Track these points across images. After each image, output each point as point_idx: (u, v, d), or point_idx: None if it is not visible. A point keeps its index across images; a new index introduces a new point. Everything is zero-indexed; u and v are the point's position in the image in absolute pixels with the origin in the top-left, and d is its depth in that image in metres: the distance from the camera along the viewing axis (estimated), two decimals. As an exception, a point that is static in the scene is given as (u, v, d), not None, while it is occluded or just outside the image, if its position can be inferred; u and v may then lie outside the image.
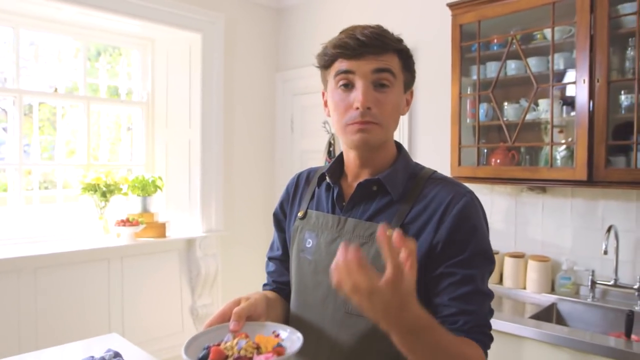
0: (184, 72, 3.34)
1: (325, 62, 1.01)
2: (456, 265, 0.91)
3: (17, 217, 2.85)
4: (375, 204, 1.01)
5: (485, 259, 0.95)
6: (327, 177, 1.08)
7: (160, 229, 3.13)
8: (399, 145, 1.09)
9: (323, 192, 1.11)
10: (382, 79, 0.96)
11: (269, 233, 3.69)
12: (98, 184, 3.01)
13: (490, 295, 0.94)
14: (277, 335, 0.91)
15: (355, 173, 1.06)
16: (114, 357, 1.44)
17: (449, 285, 0.91)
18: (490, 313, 0.95)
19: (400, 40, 1.01)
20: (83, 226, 3.10)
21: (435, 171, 1.05)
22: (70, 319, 2.72)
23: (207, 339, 0.89)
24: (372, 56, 0.95)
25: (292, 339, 0.90)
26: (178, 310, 3.24)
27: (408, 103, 1.07)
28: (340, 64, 0.97)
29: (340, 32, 0.99)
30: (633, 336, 1.93)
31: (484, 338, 0.91)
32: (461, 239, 0.92)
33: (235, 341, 0.86)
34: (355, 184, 1.04)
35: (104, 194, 3.03)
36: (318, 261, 1.04)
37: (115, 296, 2.93)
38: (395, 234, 0.73)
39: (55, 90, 3.11)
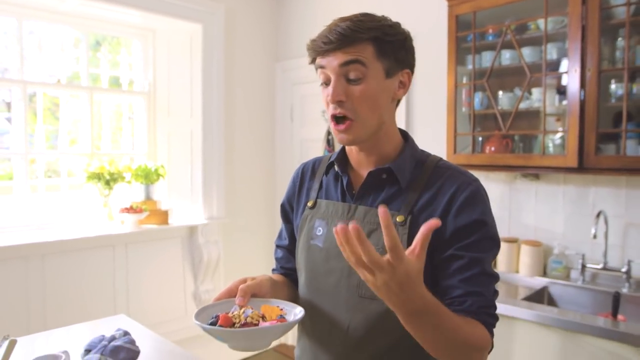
0: (185, 62, 3.39)
1: (311, 61, 1.05)
2: (464, 249, 0.96)
3: (24, 205, 2.92)
4: (384, 192, 1.04)
5: (492, 243, 0.99)
6: (335, 167, 1.11)
7: (163, 216, 3.20)
8: (405, 134, 1.11)
9: (331, 181, 1.14)
10: (350, 71, 0.97)
11: (270, 220, 3.79)
12: (102, 173, 3.08)
13: (495, 277, 0.98)
14: (282, 309, 0.99)
15: (358, 162, 1.10)
16: (123, 335, 1.51)
17: (457, 268, 0.95)
18: (495, 294, 0.99)
19: (374, 28, 0.98)
20: (88, 214, 3.17)
21: (440, 159, 1.08)
22: (77, 303, 2.80)
23: (215, 309, 0.97)
24: (339, 51, 0.97)
25: (294, 312, 0.98)
26: (181, 296, 3.32)
27: (404, 85, 1.04)
28: (318, 61, 1.01)
29: (324, 28, 1.02)
30: (619, 316, 2.01)
31: (490, 319, 0.95)
32: (468, 224, 0.97)
33: (242, 310, 0.94)
34: (363, 173, 1.08)
35: (107, 182, 3.10)
36: (329, 248, 1.06)
37: (120, 282, 3.01)
38: (428, 225, 0.75)
39: (59, 81, 3.17)
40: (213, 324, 0.92)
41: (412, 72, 1.07)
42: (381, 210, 0.73)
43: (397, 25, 1.04)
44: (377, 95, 1.00)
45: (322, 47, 0.98)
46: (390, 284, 0.76)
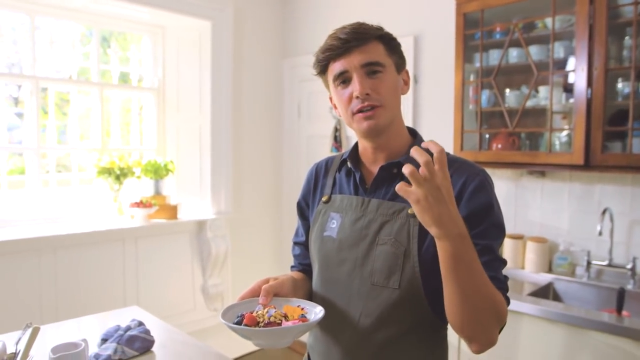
0: (194, 58, 3.43)
1: (321, 68, 1.12)
2: (475, 237, 0.99)
3: (36, 199, 2.97)
4: (395, 185, 1.09)
5: (499, 230, 1.04)
6: (348, 163, 1.17)
7: (172, 211, 3.24)
8: (413, 132, 1.18)
9: (344, 177, 1.19)
10: (372, 69, 1.05)
11: (276, 215, 3.83)
12: (112, 168, 3.12)
13: (504, 261, 1.04)
14: (303, 309, 1.04)
15: (371, 159, 1.15)
16: (138, 325, 1.55)
17: None
18: (506, 278, 1.04)
19: (379, 28, 1.09)
20: (98, 208, 3.22)
21: (448, 153, 1.12)
22: (87, 296, 2.85)
23: (240, 308, 1.03)
24: (357, 49, 1.04)
25: (314, 311, 1.03)
26: (190, 289, 3.37)
27: (406, 83, 1.14)
28: (333, 67, 1.08)
29: (326, 38, 1.10)
30: (624, 312, 2.04)
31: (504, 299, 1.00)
32: (478, 213, 1.02)
33: (265, 310, 0.99)
34: (373, 169, 1.14)
35: (117, 177, 3.14)
36: (343, 239, 1.11)
37: (130, 275, 3.05)
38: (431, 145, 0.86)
39: (70, 76, 3.21)
40: (239, 322, 0.97)
41: None
42: (408, 166, 0.84)
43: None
44: (394, 87, 1.09)
45: (340, 47, 1.05)
46: (439, 193, 0.83)
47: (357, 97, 1.05)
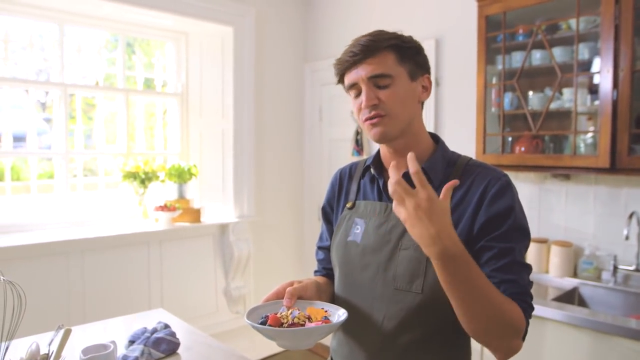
0: (216, 64, 3.47)
1: (338, 78, 1.15)
2: (495, 240, 1.00)
3: (64, 203, 3.05)
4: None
5: (522, 234, 1.03)
6: (372, 170, 1.19)
7: (195, 215, 3.29)
8: (436, 138, 1.19)
9: (368, 183, 1.21)
10: (378, 80, 1.07)
11: (298, 218, 3.86)
12: (137, 172, 3.18)
13: (528, 266, 1.03)
14: (326, 311, 1.06)
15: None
16: (164, 328, 1.58)
17: (489, 258, 1.00)
18: (530, 284, 1.03)
19: (393, 37, 1.08)
20: (124, 212, 3.28)
21: (471, 158, 1.14)
22: (113, 298, 2.91)
23: (264, 310, 1.05)
24: (365, 62, 1.07)
25: (338, 314, 1.04)
26: (213, 292, 3.41)
27: (426, 89, 1.13)
28: (346, 78, 1.11)
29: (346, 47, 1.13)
30: (652, 318, 1.99)
31: (525, 305, 0.99)
32: (498, 216, 1.01)
33: (289, 311, 1.01)
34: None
35: (142, 181, 3.21)
36: (366, 244, 1.13)
37: (155, 277, 3.11)
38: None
39: (97, 82, 3.28)
40: (263, 323, 0.99)
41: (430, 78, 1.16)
42: (409, 155, 0.90)
43: (411, 36, 1.13)
44: (405, 96, 1.09)
45: (349, 60, 1.09)
46: (418, 211, 0.87)
47: (366, 107, 1.08)
